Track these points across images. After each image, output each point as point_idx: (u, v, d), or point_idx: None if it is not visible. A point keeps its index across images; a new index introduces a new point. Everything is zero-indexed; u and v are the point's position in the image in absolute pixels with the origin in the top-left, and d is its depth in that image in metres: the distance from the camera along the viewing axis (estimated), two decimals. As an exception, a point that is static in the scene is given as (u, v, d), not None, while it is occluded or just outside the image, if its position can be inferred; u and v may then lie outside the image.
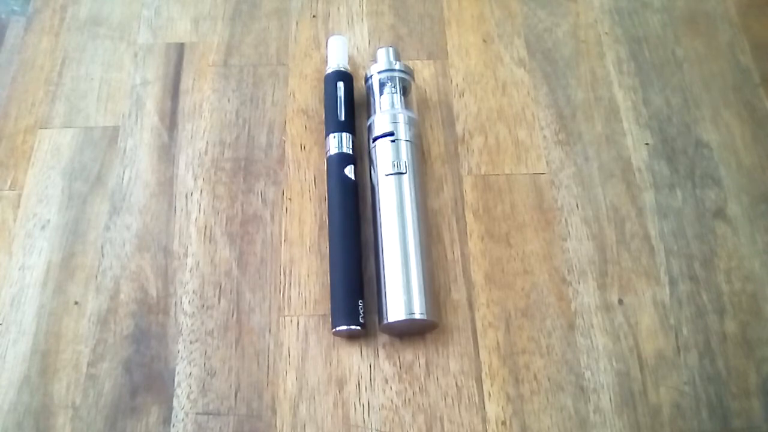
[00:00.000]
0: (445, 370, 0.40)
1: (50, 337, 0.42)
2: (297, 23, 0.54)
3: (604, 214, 0.46)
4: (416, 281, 0.40)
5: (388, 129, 0.44)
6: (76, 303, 0.43)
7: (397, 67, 0.47)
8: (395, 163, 0.43)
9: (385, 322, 0.40)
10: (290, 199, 0.46)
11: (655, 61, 0.52)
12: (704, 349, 0.41)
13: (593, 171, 0.47)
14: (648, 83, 0.51)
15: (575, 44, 0.53)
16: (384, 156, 0.44)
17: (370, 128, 0.46)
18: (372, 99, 0.47)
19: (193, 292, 0.43)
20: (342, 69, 0.48)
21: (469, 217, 0.45)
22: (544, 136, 0.48)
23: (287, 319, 0.42)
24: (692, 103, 0.50)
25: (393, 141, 0.44)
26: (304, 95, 0.50)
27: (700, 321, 0.42)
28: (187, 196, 0.46)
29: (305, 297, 0.43)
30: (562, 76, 0.51)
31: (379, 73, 0.47)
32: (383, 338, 0.41)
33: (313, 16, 0.54)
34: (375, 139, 0.45)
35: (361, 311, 0.41)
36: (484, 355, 0.41)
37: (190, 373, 0.40)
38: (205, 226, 0.45)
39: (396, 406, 0.40)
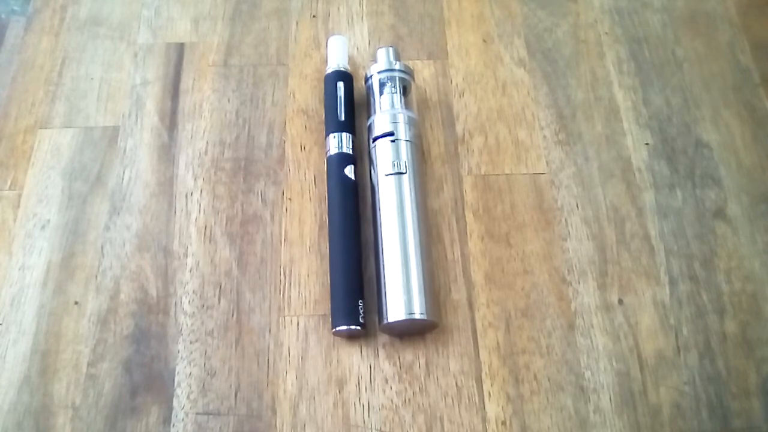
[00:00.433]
0: (445, 370, 0.40)
1: (50, 337, 0.42)
2: (297, 23, 0.54)
3: (604, 214, 0.46)
4: (416, 281, 0.40)
5: (388, 129, 0.44)
6: (76, 303, 0.43)
7: (397, 67, 0.47)
8: (395, 163, 0.43)
9: (385, 322, 0.40)
10: (290, 199, 0.46)
11: (655, 61, 0.52)
12: (704, 349, 0.41)
13: (593, 171, 0.47)
14: (648, 83, 0.51)
15: (575, 44, 0.53)
16: (384, 156, 0.44)
17: (370, 128, 0.46)
18: (372, 99, 0.47)
19: (193, 292, 0.43)
20: (342, 69, 0.48)
21: (469, 217, 0.45)
22: (544, 136, 0.48)
23: (287, 319, 0.42)
24: (692, 103, 0.50)
25: (393, 141, 0.44)
26: (304, 95, 0.50)
27: (700, 321, 0.42)
28: (187, 196, 0.46)
29: (305, 297, 0.43)
30: (562, 76, 0.51)
31: (379, 73, 0.47)
32: (383, 338, 0.41)
33: (313, 16, 0.54)
34: (375, 139, 0.45)
35: (361, 311, 0.41)
36: (484, 355, 0.41)
37: (190, 373, 0.40)
38: (205, 226, 0.45)
39: (396, 406, 0.40)
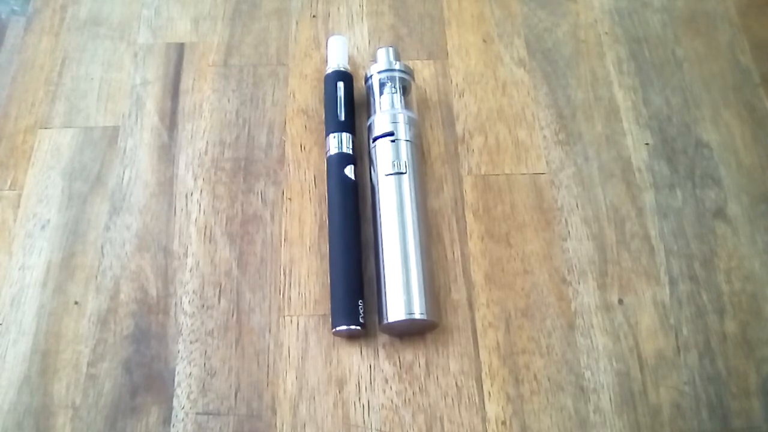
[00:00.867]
0: (445, 370, 0.40)
1: (50, 337, 0.42)
2: (297, 23, 0.54)
3: (604, 214, 0.46)
4: (416, 281, 0.40)
5: (388, 129, 0.44)
6: (76, 303, 0.43)
7: (397, 67, 0.47)
8: (395, 163, 0.43)
9: (385, 322, 0.40)
10: (290, 199, 0.46)
11: (655, 61, 0.52)
12: (704, 349, 0.41)
13: (593, 171, 0.47)
14: (648, 83, 0.51)
15: (575, 44, 0.53)
16: (384, 156, 0.44)
17: (370, 128, 0.46)
18: (372, 99, 0.47)
19: (193, 292, 0.43)
20: (342, 69, 0.48)
21: (469, 217, 0.45)
22: (544, 136, 0.48)
23: (287, 319, 0.42)
24: (692, 103, 0.50)
25: (393, 141, 0.44)
26: (304, 95, 0.50)
27: (700, 321, 0.42)
28: (187, 196, 0.46)
29: (305, 297, 0.43)
30: (562, 76, 0.51)
31: (379, 73, 0.47)
32: (383, 338, 0.41)
33: (313, 16, 0.54)
34: (375, 139, 0.45)
35: (361, 311, 0.41)
36: (484, 355, 0.41)
37: (190, 373, 0.40)
38: (205, 226, 0.45)
39: (396, 406, 0.40)
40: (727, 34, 0.53)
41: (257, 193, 0.46)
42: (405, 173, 0.43)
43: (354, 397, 0.40)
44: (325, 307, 0.42)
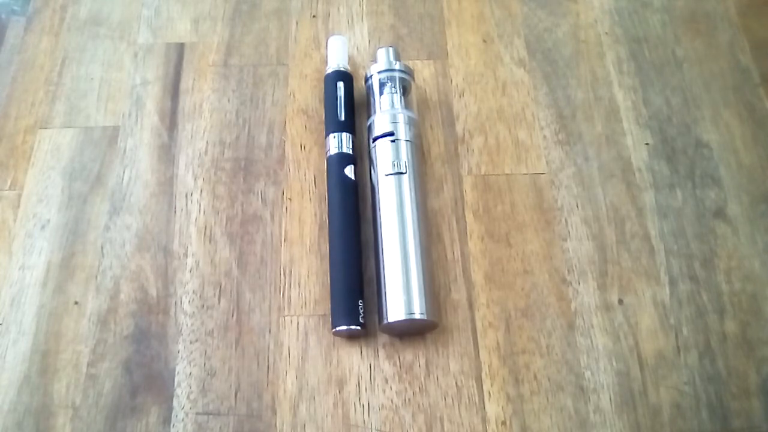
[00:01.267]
0: (445, 370, 0.40)
1: (50, 337, 0.42)
2: (297, 23, 0.54)
3: (604, 214, 0.46)
4: (416, 281, 0.40)
5: (388, 129, 0.44)
6: (76, 303, 0.43)
7: (397, 67, 0.47)
8: (395, 163, 0.43)
9: (385, 322, 0.40)
10: (290, 199, 0.46)
11: (655, 61, 0.52)
12: (704, 349, 0.41)
13: (593, 171, 0.47)
14: (648, 83, 0.51)
15: (575, 44, 0.53)
16: (384, 156, 0.44)
17: (370, 128, 0.46)
18: (372, 99, 0.47)
19: (193, 292, 0.43)
20: (342, 69, 0.48)
21: (469, 217, 0.45)
22: (544, 136, 0.48)
23: (287, 319, 0.42)
24: (692, 103, 0.50)
25: (393, 141, 0.44)
26: (304, 95, 0.50)
27: (700, 321, 0.42)
28: (187, 196, 0.46)
29: (305, 297, 0.43)
30: (562, 76, 0.51)
31: (379, 73, 0.47)
32: (383, 338, 0.41)
33: (313, 16, 0.54)
34: (375, 139, 0.45)
35: (361, 311, 0.41)
36: (484, 355, 0.41)
37: (190, 373, 0.40)
38: (205, 226, 0.45)
39: (396, 406, 0.40)
40: (727, 34, 0.53)
41: (257, 193, 0.46)
42: (405, 173, 0.43)
43: (354, 397, 0.40)
44: (325, 307, 0.42)
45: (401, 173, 0.43)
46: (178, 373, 0.40)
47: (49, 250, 0.44)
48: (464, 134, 0.49)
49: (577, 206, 0.46)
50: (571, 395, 0.40)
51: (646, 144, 0.48)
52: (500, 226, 0.45)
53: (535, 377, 0.40)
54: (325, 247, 0.44)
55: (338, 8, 0.55)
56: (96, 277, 0.44)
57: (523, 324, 0.42)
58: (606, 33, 0.53)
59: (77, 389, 0.40)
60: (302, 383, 0.40)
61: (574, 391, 0.40)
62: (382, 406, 0.40)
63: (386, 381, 0.40)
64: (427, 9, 0.55)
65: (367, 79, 0.48)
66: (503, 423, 0.39)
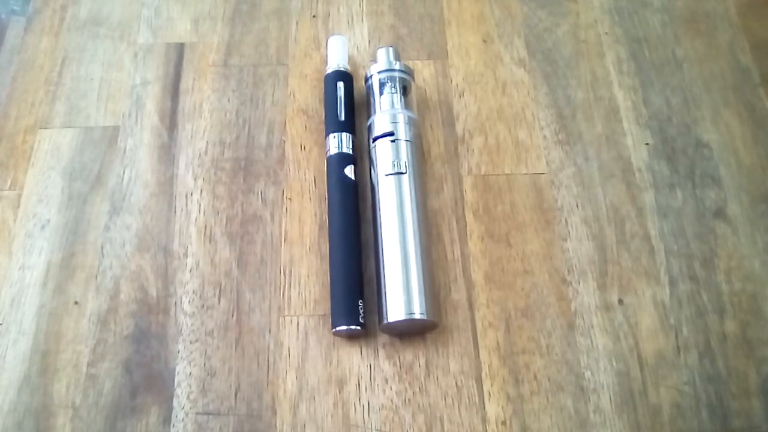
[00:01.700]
0: (445, 370, 0.40)
1: (50, 337, 0.42)
2: (297, 23, 0.54)
3: (604, 214, 0.46)
4: (416, 281, 0.40)
5: (388, 129, 0.44)
6: (76, 303, 0.43)
7: (397, 67, 0.47)
8: (395, 163, 0.43)
9: (385, 322, 0.40)
10: (290, 199, 0.46)
11: (655, 61, 0.52)
12: (704, 349, 0.41)
13: (593, 171, 0.47)
14: (648, 83, 0.51)
15: (575, 44, 0.53)
16: (384, 156, 0.44)
17: (370, 128, 0.46)
18: (372, 99, 0.47)
19: (193, 292, 0.43)
20: (342, 69, 0.48)
21: (469, 217, 0.45)
22: (544, 136, 0.48)
23: (287, 319, 0.42)
24: (692, 103, 0.50)
25: (393, 141, 0.44)
26: (304, 95, 0.50)
27: (700, 321, 0.42)
28: (187, 196, 0.46)
29: (305, 297, 0.43)
30: (562, 76, 0.51)
31: (379, 73, 0.47)
32: (383, 338, 0.41)
33: (313, 16, 0.54)
34: (375, 139, 0.45)
35: (361, 311, 0.41)
36: (484, 355, 0.41)
37: (190, 373, 0.40)
38: (205, 226, 0.45)
39: (396, 406, 0.40)
40: (727, 34, 0.53)
41: (257, 193, 0.46)
42: (405, 173, 0.43)
43: (354, 397, 0.40)
44: (325, 307, 0.42)
45: (401, 173, 0.43)
46: (178, 373, 0.40)
47: (49, 250, 0.44)
48: (464, 134, 0.49)
49: (577, 206, 0.46)
50: (571, 395, 0.40)
51: (646, 144, 0.48)
52: (500, 226, 0.45)
53: (535, 377, 0.40)
54: (325, 247, 0.44)
55: (338, 8, 0.55)
56: (96, 277, 0.44)
57: (523, 324, 0.42)
58: (606, 33, 0.53)
59: (77, 389, 0.40)
60: (302, 383, 0.40)
61: (574, 391, 0.40)
62: (382, 406, 0.40)
63: (386, 381, 0.40)
64: (427, 9, 0.55)
65: (367, 79, 0.48)
66: (503, 423, 0.39)
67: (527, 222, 0.45)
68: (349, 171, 0.44)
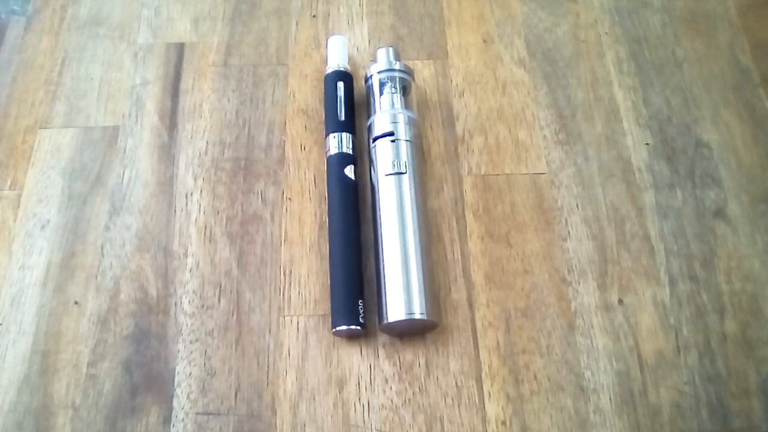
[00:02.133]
0: (445, 370, 0.40)
1: (50, 337, 0.42)
2: (297, 23, 0.54)
3: (604, 214, 0.46)
4: (416, 281, 0.40)
5: (388, 129, 0.44)
6: (76, 303, 0.43)
7: (397, 67, 0.47)
8: (395, 163, 0.43)
9: (385, 322, 0.40)
10: (290, 199, 0.46)
11: (655, 61, 0.52)
12: (704, 349, 0.41)
13: (593, 171, 0.47)
14: (648, 83, 0.51)
15: (575, 44, 0.53)
16: (384, 156, 0.44)
17: (370, 128, 0.46)
18: (372, 99, 0.47)
19: (193, 292, 0.43)
20: (342, 69, 0.48)
21: (469, 217, 0.45)
22: (544, 136, 0.48)
23: (287, 319, 0.42)
24: (692, 103, 0.50)
25: (393, 141, 0.44)
26: (304, 95, 0.50)
27: (700, 321, 0.42)
28: (187, 196, 0.46)
29: (305, 297, 0.43)
30: (562, 76, 0.51)
31: (379, 73, 0.47)
32: (383, 338, 0.41)
33: (313, 16, 0.54)
34: (375, 139, 0.45)
35: (361, 311, 0.41)
36: (484, 355, 0.41)
37: (190, 373, 0.40)
38: (205, 226, 0.45)
39: (396, 406, 0.40)
40: (727, 34, 0.53)
41: (257, 193, 0.46)
42: (405, 173, 0.43)
43: (354, 397, 0.40)
44: (325, 307, 0.42)
45: (401, 173, 0.43)
46: (178, 373, 0.40)
47: (49, 250, 0.44)
48: (464, 134, 0.49)
49: (577, 206, 0.46)
50: (571, 395, 0.40)
51: (646, 144, 0.48)
52: (500, 226, 0.45)
53: (535, 377, 0.40)
54: (325, 247, 0.44)
55: (338, 8, 0.55)
56: (96, 277, 0.44)
57: (523, 324, 0.42)
58: (606, 33, 0.53)
59: (77, 389, 0.40)
60: (302, 383, 0.40)
61: (574, 391, 0.40)
62: (382, 406, 0.40)
63: (386, 381, 0.40)
64: (427, 9, 0.55)
65: (367, 79, 0.48)
66: (503, 423, 0.39)
67: (527, 222, 0.45)
68: (349, 171, 0.44)
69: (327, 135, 0.46)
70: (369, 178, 0.45)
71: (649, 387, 0.40)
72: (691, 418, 0.39)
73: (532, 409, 0.39)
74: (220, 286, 0.43)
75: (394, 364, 0.41)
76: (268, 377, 0.40)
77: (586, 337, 0.41)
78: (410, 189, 0.43)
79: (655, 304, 0.42)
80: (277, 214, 0.46)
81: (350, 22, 0.54)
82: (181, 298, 0.43)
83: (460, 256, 0.44)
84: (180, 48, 0.53)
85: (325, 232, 0.44)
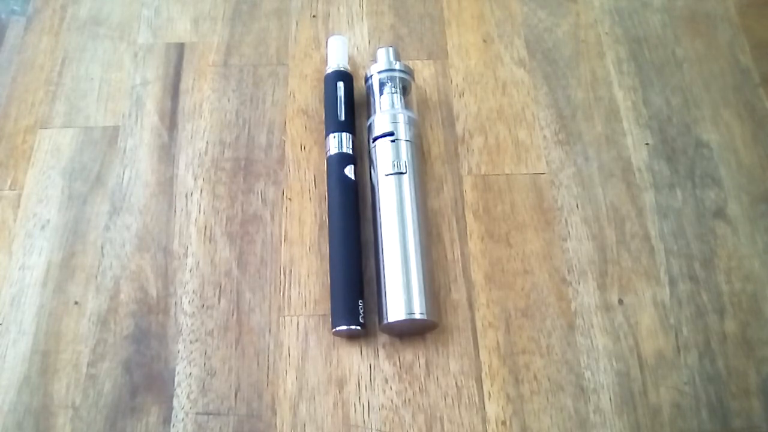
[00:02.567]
0: (445, 370, 0.40)
1: (50, 337, 0.42)
2: (297, 23, 0.54)
3: (604, 214, 0.46)
4: (416, 281, 0.40)
5: (388, 129, 0.44)
6: (76, 303, 0.43)
7: (397, 67, 0.47)
8: (395, 163, 0.43)
9: (385, 322, 0.40)
10: (290, 199, 0.46)
11: (655, 61, 0.52)
12: (704, 349, 0.41)
13: (593, 171, 0.47)
14: (648, 83, 0.51)
15: (575, 44, 0.53)
16: (384, 156, 0.44)
17: (370, 128, 0.46)
18: (372, 99, 0.47)
19: (193, 292, 0.43)
20: (342, 69, 0.48)
21: (469, 217, 0.45)
22: (544, 136, 0.48)
23: (287, 319, 0.42)
24: (692, 103, 0.50)
25: (393, 141, 0.44)
26: (304, 95, 0.50)
27: (700, 321, 0.42)
28: (187, 196, 0.46)
29: (305, 297, 0.43)
30: (562, 76, 0.51)
31: (379, 73, 0.47)
32: (383, 338, 0.41)
33: (313, 16, 0.54)
34: (375, 139, 0.45)
35: (361, 311, 0.41)
36: (484, 355, 0.41)
37: (190, 373, 0.40)
38: (205, 226, 0.45)
39: (396, 406, 0.40)
40: (727, 34, 0.53)
41: (257, 193, 0.46)
42: (405, 173, 0.43)
43: (354, 397, 0.40)
44: (325, 307, 0.42)
45: (401, 173, 0.43)
46: (178, 373, 0.41)
47: (49, 250, 0.44)
48: (464, 134, 0.49)
49: (577, 206, 0.46)
50: (571, 395, 0.40)
51: (646, 144, 0.48)
52: (500, 226, 0.45)
53: (535, 377, 0.40)
54: (325, 247, 0.44)
55: (338, 8, 0.55)
56: (96, 277, 0.44)
57: (523, 324, 0.42)
58: (606, 33, 0.53)
59: (77, 389, 0.40)
60: (302, 383, 0.40)
61: (574, 391, 0.40)
62: (382, 406, 0.40)
63: (386, 381, 0.40)
64: (427, 9, 0.55)
65: (367, 79, 0.48)
66: (503, 423, 0.39)
67: (527, 222, 0.45)
68: (349, 171, 0.44)
69: (327, 135, 0.46)
70: (369, 178, 0.45)
71: (649, 387, 0.40)
72: (691, 418, 0.39)
73: (532, 409, 0.39)
74: (220, 286, 0.43)
75: (394, 364, 0.41)
76: (268, 377, 0.40)
77: (586, 337, 0.41)
78: (410, 189, 0.43)
79: (655, 304, 0.42)
80: (277, 214, 0.46)
81: (350, 22, 0.54)
82: (181, 298, 0.43)
83: (460, 256, 0.44)
84: (180, 48, 0.53)
85: (325, 232, 0.44)
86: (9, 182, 0.47)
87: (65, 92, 0.51)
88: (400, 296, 0.39)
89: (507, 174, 0.47)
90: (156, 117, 0.50)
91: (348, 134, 0.46)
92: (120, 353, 0.41)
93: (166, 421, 0.39)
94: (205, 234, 0.45)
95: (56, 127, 0.49)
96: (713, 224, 0.45)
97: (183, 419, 0.39)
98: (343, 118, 0.46)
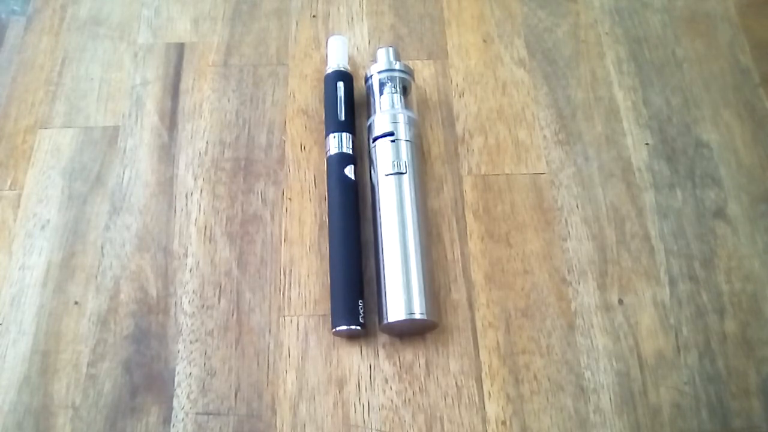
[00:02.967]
0: (445, 370, 0.40)
1: (50, 337, 0.42)
2: (297, 23, 0.54)
3: (604, 214, 0.46)
4: (416, 281, 0.40)
5: (388, 129, 0.44)
6: (76, 303, 0.43)
7: (397, 67, 0.47)
8: (395, 163, 0.43)
9: (385, 322, 0.40)
10: (290, 199, 0.46)
11: (655, 61, 0.52)
12: (704, 349, 0.41)
13: (593, 171, 0.47)
14: (648, 83, 0.51)
15: (575, 44, 0.53)
16: (384, 156, 0.44)
17: (370, 128, 0.46)
18: (372, 99, 0.47)
19: (193, 292, 0.43)
20: (342, 69, 0.48)
21: (469, 217, 0.45)
22: (544, 136, 0.48)
23: (287, 319, 0.42)
24: (692, 103, 0.50)
25: (393, 141, 0.44)
26: (304, 95, 0.50)
27: (700, 321, 0.42)
28: (187, 196, 0.46)
29: (305, 297, 0.43)
30: (562, 76, 0.51)
31: (379, 73, 0.47)
32: (383, 338, 0.41)
33: (313, 16, 0.54)
34: (375, 139, 0.45)
35: (361, 311, 0.41)
36: (484, 355, 0.41)
37: (190, 373, 0.40)
38: (205, 226, 0.45)
39: (396, 406, 0.40)
40: (727, 34, 0.53)
41: (257, 193, 0.46)
42: (405, 173, 0.43)
43: (354, 397, 0.40)
44: (325, 307, 0.42)
45: (401, 173, 0.43)
46: (178, 373, 0.41)
47: (49, 250, 0.44)
48: (464, 134, 0.49)
49: (577, 206, 0.46)
50: (571, 395, 0.40)
51: (646, 144, 0.48)
52: (500, 226, 0.45)
53: (535, 377, 0.40)
54: (325, 247, 0.44)
55: (338, 8, 0.55)
56: (96, 277, 0.44)
57: (523, 324, 0.42)
58: (606, 33, 0.53)
59: (77, 389, 0.40)
60: (302, 383, 0.40)
61: (574, 391, 0.40)
62: (382, 406, 0.40)
63: (386, 381, 0.40)
64: (427, 9, 0.55)
65: (367, 79, 0.48)
66: (503, 423, 0.39)
67: (527, 222, 0.45)
68: (349, 171, 0.44)
69: (327, 135, 0.46)
70: (369, 178, 0.45)
71: (649, 387, 0.40)
72: (691, 418, 0.39)
73: (532, 409, 0.39)
74: (220, 286, 0.43)
75: (394, 364, 0.41)
76: (268, 377, 0.40)
77: (586, 337, 0.41)
78: (410, 189, 0.43)
79: (655, 304, 0.42)
80: (277, 214, 0.46)
81: (350, 22, 0.54)
82: (181, 298, 0.43)
83: (460, 256, 0.44)
84: (180, 48, 0.53)
85: (325, 232, 0.44)
86: (9, 182, 0.47)
87: (65, 92, 0.51)
88: (400, 296, 0.39)
89: (507, 174, 0.47)
90: (156, 117, 0.50)
91: (348, 134, 0.46)
92: (120, 353, 0.41)
93: (166, 421, 0.39)
94: (205, 234, 0.45)
95: (56, 127, 0.49)
96: (713, 224, 0.45)
97: (183, 419, 0.39)
98: (343, 118, 0.46)
